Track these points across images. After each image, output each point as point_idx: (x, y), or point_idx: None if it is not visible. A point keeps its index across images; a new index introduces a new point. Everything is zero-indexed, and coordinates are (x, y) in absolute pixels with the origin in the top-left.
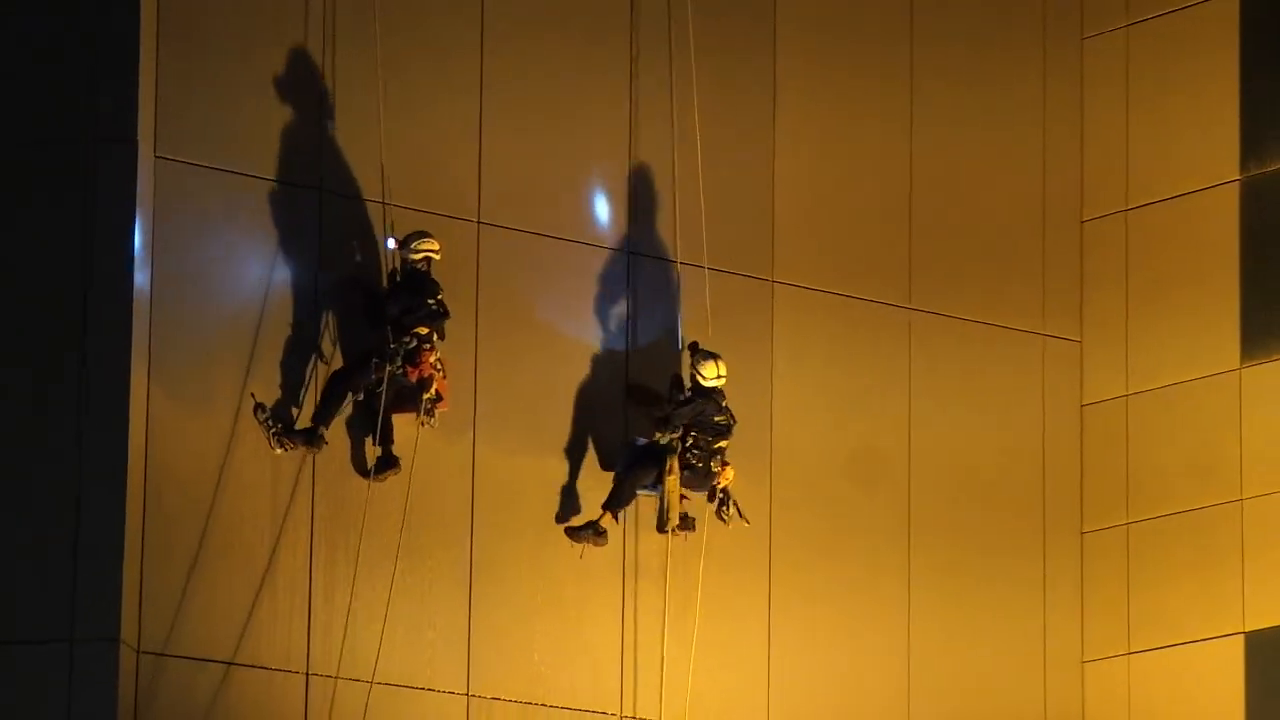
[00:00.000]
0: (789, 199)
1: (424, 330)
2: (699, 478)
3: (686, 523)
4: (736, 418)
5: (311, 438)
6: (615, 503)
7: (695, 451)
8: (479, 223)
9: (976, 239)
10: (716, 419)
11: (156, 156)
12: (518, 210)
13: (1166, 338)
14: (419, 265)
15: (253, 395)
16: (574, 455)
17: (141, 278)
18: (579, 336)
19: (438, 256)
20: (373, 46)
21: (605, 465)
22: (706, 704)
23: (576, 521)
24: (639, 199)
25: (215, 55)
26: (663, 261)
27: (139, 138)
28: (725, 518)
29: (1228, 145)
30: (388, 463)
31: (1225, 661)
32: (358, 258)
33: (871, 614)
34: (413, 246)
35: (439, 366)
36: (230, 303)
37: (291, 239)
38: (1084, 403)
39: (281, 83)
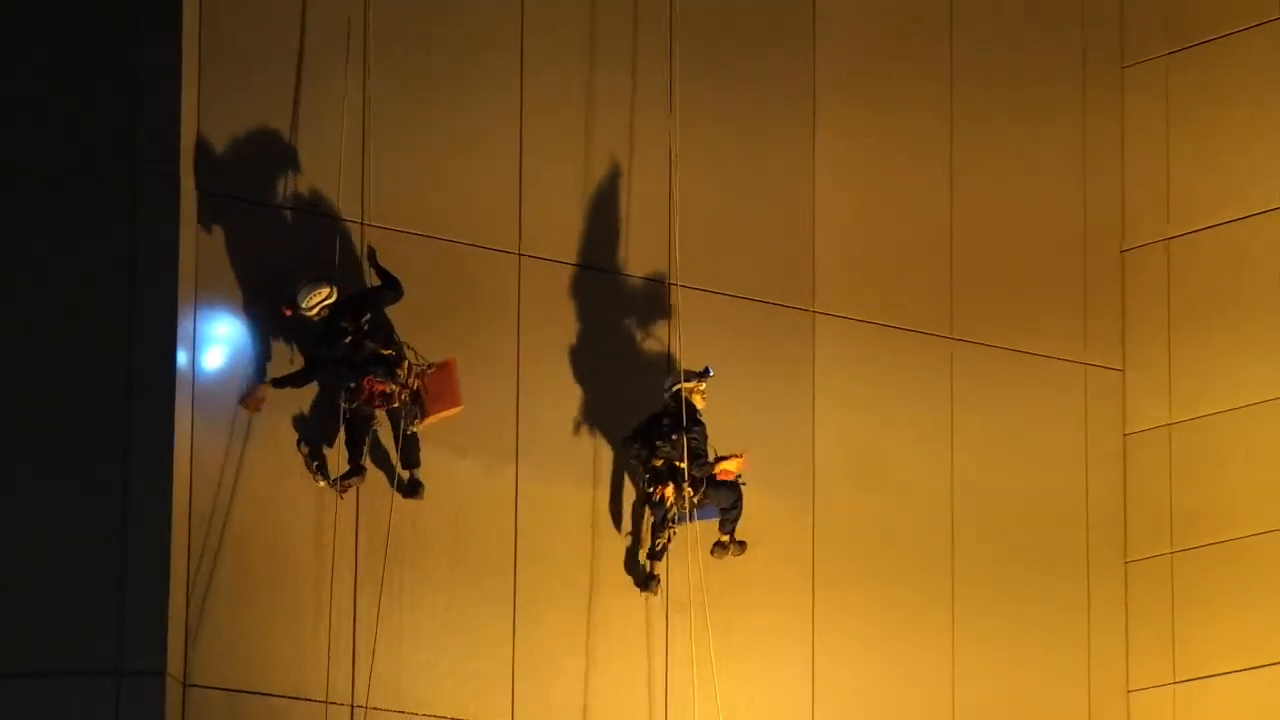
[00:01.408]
0: (829, 229)
1: (362, 361)
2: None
3: (720, 549)
4: (681, 437)
5: (355, 472)
6: (650, 549)
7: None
8: (520, 255)
9: (1018, 267)
10: (657, 442)
11: (198, 190)
12: (558, 242)
13: (1209, 366)
14: (318, 316)
15: (296, 430)
16: (616, 486)
17: (184, 310)
18: (620, 367)
19: (333, 299)
20: (412, 81)
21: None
22: None
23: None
24: (679, 229)
25: (256, 90)
26: (703, 292)
27: (180, 171)
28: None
29: (1270, 172)
30: (413, 487)
31: (1271, 691)
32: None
33: (915, 644)
34: (304, 306)
35: (396, 382)
36: (273, 335)
37: (333, 271)
38: (1126, 432)
39: (322, 117)
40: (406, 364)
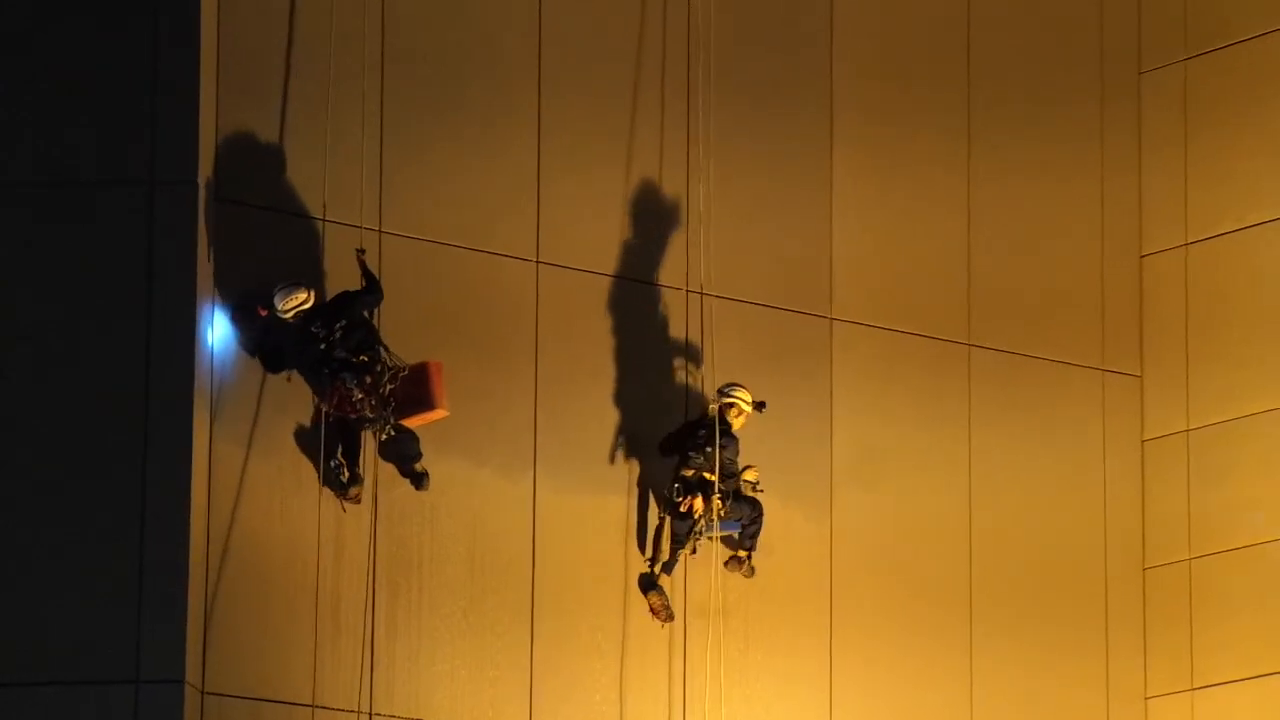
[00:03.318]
0: (847, 235)
1: (334, 368)
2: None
3: (735, 563)
4: (710, 453)
5: (354, 481)
6: (666, 561)
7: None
8: (538, 262)
9: (1035, 274)
10: (690, 452)
11: (217, 199)
12: (577, 249)
13: (1227, 372)
14: (293, 319)
15: (304, 445)
16: (634, 493)
17: (203, 320)
18: (638, 375)
19: (310, 303)
20: (431, 88)
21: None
22: None
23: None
24: (697, 238)
25: (274, 99)
26: (721, 300)
27: (199, 180)
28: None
29: None
30: (417, 479)
31: None
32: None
33: (932, 649)
34: (279, 308)
35: (363, 389)
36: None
37: (351, 280)
38: (1145, 438)
39: (340, 125)
40: (380, 368)
